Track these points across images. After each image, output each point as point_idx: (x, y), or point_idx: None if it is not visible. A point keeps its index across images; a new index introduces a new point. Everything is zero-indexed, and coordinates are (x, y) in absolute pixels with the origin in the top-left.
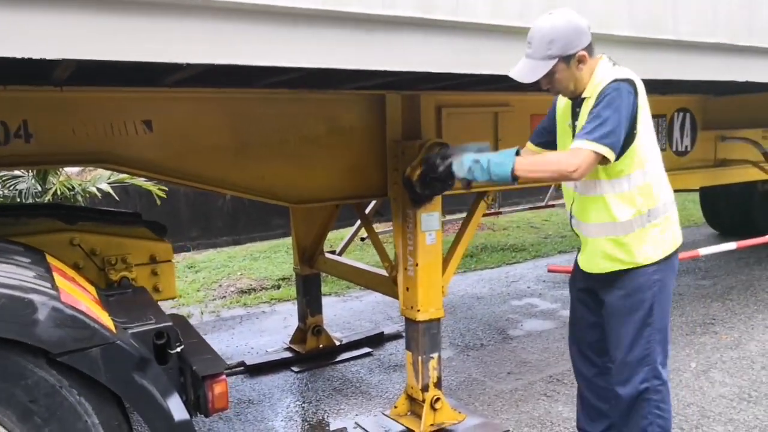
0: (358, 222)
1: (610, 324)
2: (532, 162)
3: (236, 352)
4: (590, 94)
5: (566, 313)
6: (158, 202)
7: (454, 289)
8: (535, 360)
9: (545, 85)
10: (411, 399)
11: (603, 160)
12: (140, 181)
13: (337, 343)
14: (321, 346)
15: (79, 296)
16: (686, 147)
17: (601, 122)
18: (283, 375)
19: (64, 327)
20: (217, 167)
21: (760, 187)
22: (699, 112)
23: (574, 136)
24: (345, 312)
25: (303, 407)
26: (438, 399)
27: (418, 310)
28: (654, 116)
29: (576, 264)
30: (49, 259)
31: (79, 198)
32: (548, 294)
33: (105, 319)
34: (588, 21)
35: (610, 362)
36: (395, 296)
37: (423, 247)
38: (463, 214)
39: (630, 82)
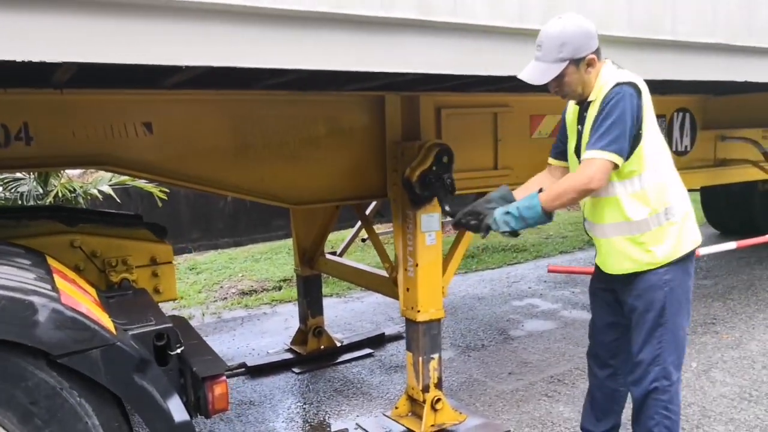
0: (359, 223)
1: (628, 324)
2: (554, 193)
3: (237, 354)
4: (595, 97)
5: (567, 313)
6: (159, 203)
7: (455, 289)
8: (536, 360)
9: (554, 89)
10: (412, 400)
11: (614, 165)
12: (141, 183)
13: (338, 344)
14: (322, 347)
15: (80, 298)
16: (686, 147)
17: (606, 129)
18: (284, 376)
19: (65, 329)
20: (217, 169)
21: (760, 186)
22: (698, 112)
23: (579, 140)
24: (346, 313)
25: (304, 408)
26: (439, 400)
27: (419, 311)
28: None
29: (596, 265)
30: (50, 261)
31: (81, 200)
32: (549, 294)
33: (105, 320)
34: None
35: (623, 363)
36: (396, 297)
37: (423, 248)
38: None
39: (632, 85)
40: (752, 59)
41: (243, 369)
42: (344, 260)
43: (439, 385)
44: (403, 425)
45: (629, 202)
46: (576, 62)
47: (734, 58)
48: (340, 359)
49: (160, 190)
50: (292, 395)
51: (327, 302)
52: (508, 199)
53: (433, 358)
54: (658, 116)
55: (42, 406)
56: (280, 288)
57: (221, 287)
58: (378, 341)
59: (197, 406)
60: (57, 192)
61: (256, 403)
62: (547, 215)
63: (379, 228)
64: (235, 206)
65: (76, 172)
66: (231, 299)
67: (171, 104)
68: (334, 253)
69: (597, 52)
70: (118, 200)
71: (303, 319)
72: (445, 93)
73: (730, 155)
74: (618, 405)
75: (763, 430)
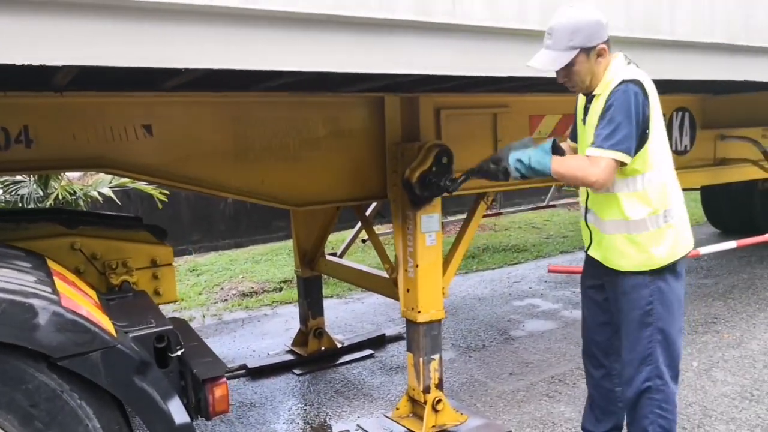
0: (359, 224)
1: (617, 323)
2: (564, 166)
3: (238, 355)
4: (601, 91)
5: (568, 313)
6: (160, 205)
7: (456, 290)
8: (536, 361)
9: (562, 78)
10: (413, 400)
11: (621, 164)
12: (142, 185)
13: (339, 346)
14: (323, 348)
15: (80, 300)
16: (686, 146)
17: (615, 127)
18: (285, 378)
19: (65, 331)
20: (217, 171)
21: (760, 185)
22: (698, 111)
23: (586, 133)
24: (347, 314)
25: (305, 410)
26: (439, 400)
27: (419, 312)
28: None
29: (586, 262)
30: (50, 263)
31: (81, 202)
32: (550, 294)
33: (105, 323)
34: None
35: (617, 362)
36: (396, 298)
37: (423, 249)
38: (464, 215)
39: (638, 83)
40: (751, 58)
41: (243, 371)
42: (344, 261)
43: (439, 386)
44: (404, 426)
45: (629, 200)
46: (587, 51)
47: (733, 58)
48: (341, 360)
49: (161, 192)
50: (293, 397)
51: (327, 303)
52: (528, 146)
53: (433, 359)
54: None
55: (42, 409)
56: (280, 289)
57: (222, 289)
58: (379, 342)
59: (198, 408)
60: (57, 194)
61: (256, 405)
62: (552, 173)
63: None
64: (236, 208)
65: (76, 174)
66: (231, 301)
67: (171, 106)
68: (334, 254)
69: (607, 42)
70: (119, 202)
71: (303, 320)
72: (444, 94)
73: (730, 154)
74: (616, 405)
75: (765, 429)
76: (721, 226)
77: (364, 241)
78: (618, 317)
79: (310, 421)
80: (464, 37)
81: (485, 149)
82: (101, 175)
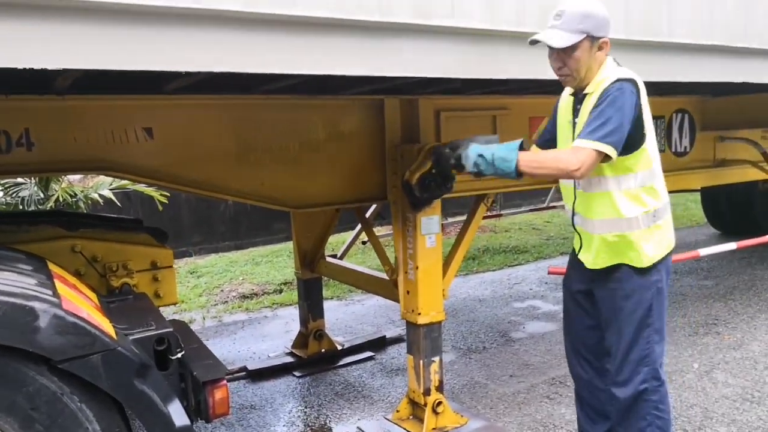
0: (359, 226)
1: (609, 324)
2: (536, 159)
3: (238, 357)
4: (593, 90)
5: None
6: (160, 207)
7: (456, 291)
8: (537, 362)
9: (558, 62)
10: (413, 403)
11: (605, 158)
12: (142, 187)
13: (339, 348)
14: (323, 350)
15: (80, 303)
16: (685, 148)
17: (604, 121)
18: (285, 380)
19: (66, 334)
20: (217, 173)
21: (760, 186)
22: (697, 112)
23: (574, 133)
24: (347, 316)
25: (305, 412)
26: (440, 402)
27: (419, 314)
28: (653, 117)
29: (570, 265)
30: (51, 266)
31: (81, 204)
32: (550, 296)
33: (106, 325)
34: None
35: (608, 363)
36: (396, 300)
37: (423, 251)
38: (464, 217)
39: (632, 83)
40: (750, 60)
41: (244, 373)
42: (345, 263)
43: (440, 388)
44: (405, 428)
45: (622, 198)
46: (591, 40)
47: (732, 60)
48: (341, 362)
49: (161, 194)
50: (293, 399)
51: (328, 305)
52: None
53: (434, 361)
54: (657, 117)
55: (43, 412)
56: (280, 291)
57: (222, 291)
58: (379, 344)
59: (198, 410)
60: (58, 196)
61: (257, 407)
62: (518, 174)
63: (379, 230)
64: (236, 210)
65: (77, 176)
66: (232, 303)
67: (171, 109)
68: (334, 256)
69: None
70: (119, 204)
71: (304, 322)
72: (444, 96)
73: (730, 156)
74: (608, 404)
75: (766, 431)
76: (721, 227)
77: (364, 242)
78: (615, 319)
79: (310, 424)
80: (463, 40)
81: None
82: (101, 177)
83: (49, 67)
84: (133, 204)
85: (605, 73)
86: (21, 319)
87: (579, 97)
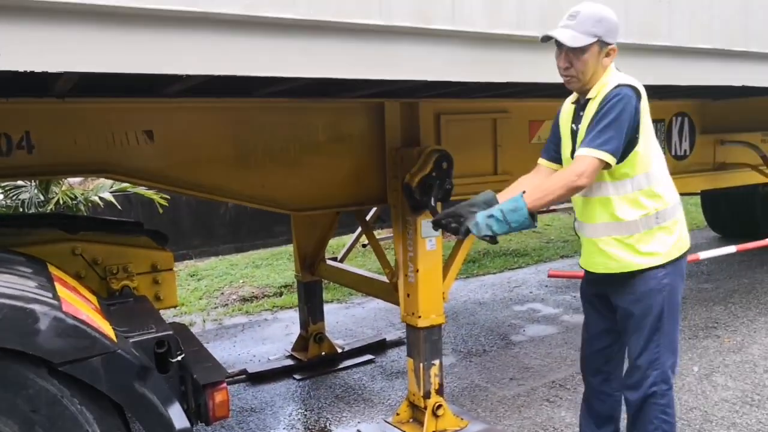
0: (359, 229)
1: (623, 329)
2: (540, 189)
3: (238, 360)
4: (595, 95)
5: (569, 318)
6: (160, 210)
7: (457, 294)
8: (537, 365)
9: (565, 63)
10: (413, 406)
11: (606, 165)
12: (142, 190)
13: (339, 351)
14: (323, 353)
15: (81, 306)
16: (685, 151)
17: (603, 128)
18: (285, 383)
19: (66, 337)
20: (218, 176)
21: (760, 189)
22: (697, 116)
23: (574, 139)
24: (347, 319)
25: (305, 415)
26: (440, 406)
27: (419, 317)
28: (653, 121)
29: (585, 269)
30: (51, 268)
31: (82, 207)
32: (551, 299)
33: (106, 328)
34: None
35: (618, 368)
36: (396, 303)
37: (423, 254)
38: None
39: (632, 88)
40: (750, 64)
41: (244, 376)
42: (345, 266)
43: (440, 391)
44: (405, 431)
45: (620, 203)
46: (601, 45)
47: (731, 63)
48: (342, 365)
49: (161, 197)
50: (294, 402)
51: (328, 308)
52: (492, 204)
53: (434, 364)
54: (657, 120)
55: (43, 414)
56: (281, 294)
57: (222, 294)
58: (379, 347)
59: (198, 413)
60: (58, 199)
61: (257, 410)
62: (532, 218)
63: (379, 233)
64: (236, 212)
65: (77, 179)
66: (232, 306)
67: (172, 112)
68: (334, 259)
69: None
70: (119, 207)
71: (304, 325)
72: (444, 99)
73: (730, 159)
74: (615, 410)
75: None
76: (721, 230)
77: (364, 245)
78: (627, 323)
79: (310, 427)
80: (464, 44)
81: (485, 154)
82: (102, 179)
83: (50, 71)
84: (133, 207)
85: (607, 79)
86: (21, 321)
87: (581, 104)
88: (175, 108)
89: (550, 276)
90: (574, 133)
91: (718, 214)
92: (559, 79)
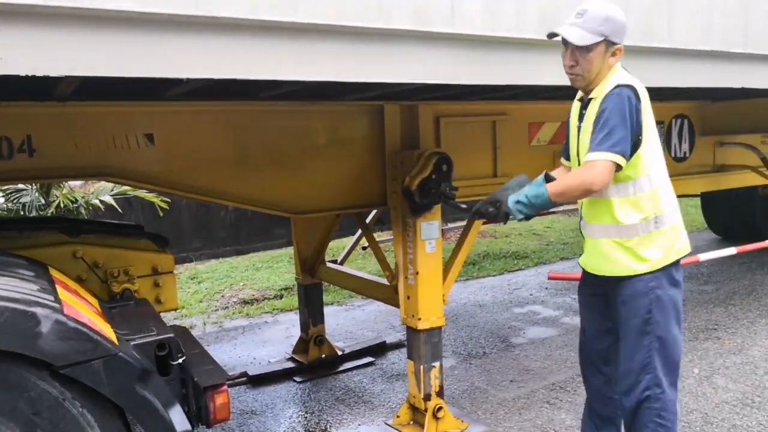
0: (359, 231)
1: (617, 331)
2: (560, 186)
3: (239, 363)
4: (597, 94)
5: (568, 320)
6: (161, 213)
7: (457, 297)
8: (537, 368)
9: (571, 61)
10: (413, 408)
11: (618, 167)
12: (143, 193)
13: (340, 353)
14: (323, 355)
15: (82, 309)
16: (685, 153)
17: (610, 131)
18: (286, 385)
19: (67, 339)
20: (218, 179)
21: (760, 191)
22: (697, 118)
23: (579, 137)
24: (347, 321)
25: (305, 417)
26: (440, 408)
27: (419, 319)
28: None
29: (584, 269)
30: (52, 272)
31: (83, 210)
32: (550, 301)
33: (107, 331)
34: None
35: (616, 370)
36: (396, 305)
37: (423, 256)
38: (464, 222)
39: (631, 88)
40: (749, 66)
41: (244, 378)
42: (345, 268)
43: (440, 393)
44: None
45: (621, 206)
46: (608, 44)
47: (731, 65)
48: (342, 368)
49: (162, 200)
50: (294, 404)
51: (328, 311)
52: (524, 186)
53: (434, 366)
54: (657, 122)
55: (44, 417)
56: (281, 297)
57: (222, 296)
58: (379, 349)
59: (199, 415)
60: (59, 202)
61: (257, 413)
62: (552, 203)
63: (379, 236)
64: (237, 215)
65: (78, 182)
66: (232, 308)
67: (172, 115)
68: (334, 262)
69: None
70: (120, 210)
71: (304, 327)
72: (443, 102)
73: (729, 161)
74: (615, 412)
75: None
76: (721, 232)
77: (364, 248)
78: (618, 325)
79: (310, 429)
80: (463, 46)
81: (485, 156)
82: (102, 183)
83: (52, 75)
84: (134, 210)
85: (611, 79)
86: (23, 324)
87: (584, 102)
88: (175, 111)
89: (550, 278)
90: (579, 131)
91: (717, 216)
92: (558, 82)
